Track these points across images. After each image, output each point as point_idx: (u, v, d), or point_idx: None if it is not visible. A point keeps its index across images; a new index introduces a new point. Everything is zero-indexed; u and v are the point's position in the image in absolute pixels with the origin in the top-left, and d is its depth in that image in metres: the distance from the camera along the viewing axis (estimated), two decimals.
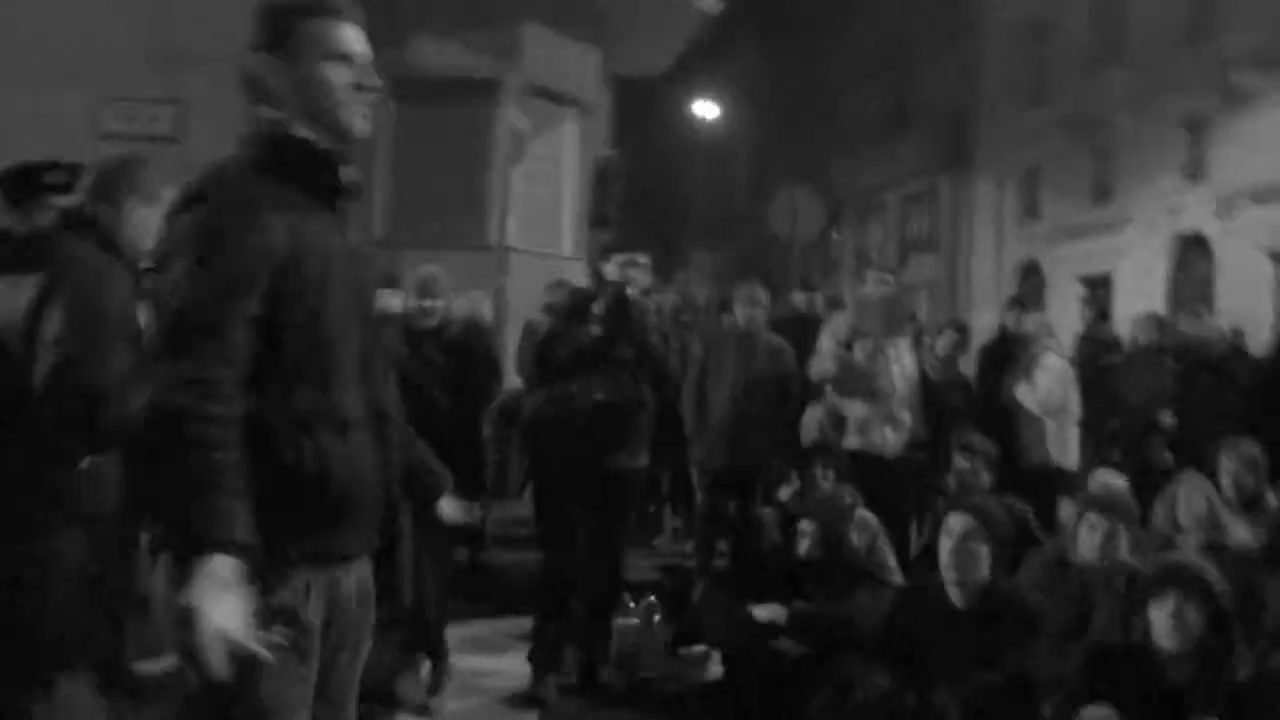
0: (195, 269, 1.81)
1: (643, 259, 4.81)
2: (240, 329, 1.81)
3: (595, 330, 4.55)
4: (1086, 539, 3.85)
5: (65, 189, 3.55)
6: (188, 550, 1.68)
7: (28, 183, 3.49)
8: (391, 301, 5.73)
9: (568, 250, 10.71)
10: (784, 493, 5.43)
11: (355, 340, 2.01)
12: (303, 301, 1.90)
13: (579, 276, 10.02)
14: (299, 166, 1.98)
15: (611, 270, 4.77)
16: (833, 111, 29.80)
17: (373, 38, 2.08)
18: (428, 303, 5.23)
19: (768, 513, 5.44)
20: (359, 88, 2.02)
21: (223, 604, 1.65)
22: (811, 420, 6.60)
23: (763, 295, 6.42)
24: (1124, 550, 3.85)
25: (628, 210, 11.34)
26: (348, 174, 2.04)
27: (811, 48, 31.71)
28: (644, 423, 4.83)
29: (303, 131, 1.99)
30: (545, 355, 4.77)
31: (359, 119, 2.03)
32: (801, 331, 7.10)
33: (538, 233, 10.33)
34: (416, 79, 9.64)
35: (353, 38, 2.04)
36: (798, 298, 8.11)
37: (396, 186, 9.71)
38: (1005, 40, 22.41)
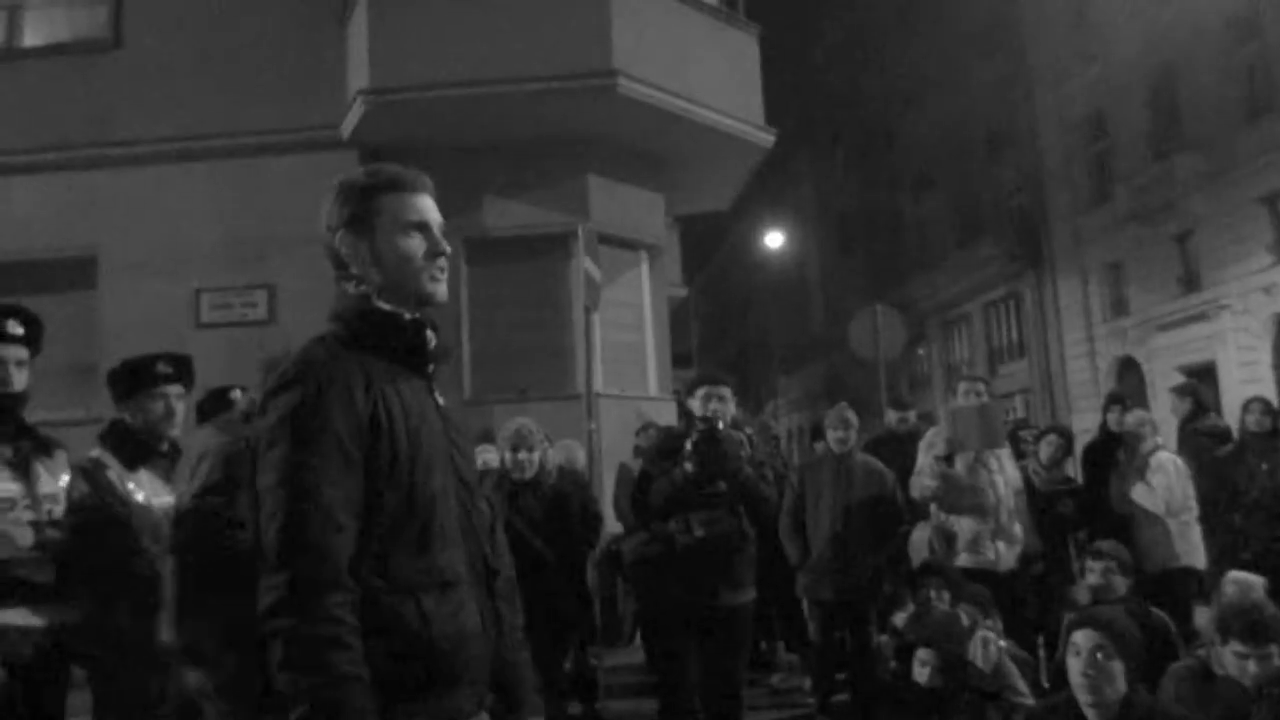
0: (295, 454, 1.85)
1: (726, 391, 4.80)
2: (348, 511, 1.85)
3: (689, 468, 4.53)
4: (1233, 661, 3.62)
5: (174, 379, 3.76)
6: None
7: (139, 376, 3.71)
8: (487, 457, 5.84)
9: (654, 391, 10.80)
10: (899, 618, 5.25)
11: (453, 501, 2.03)
12: (398, 469, 1.93)
13: (667, 416, 10.08)
14: (386, 337, 2.03)
15: (697, 406, 4.77)
16: (899, 226, 29.95)
17: (446, 202, 2.17)
18: (522, 455, 5.31)
19: (885, 641, 5.26)
20: (434, 254, 2.09)
21: None
22: (920, 540, 6.43)
23: (853, 417, 6.36)
24: (1276, 660, 3.60)
25: (708, 344, 11.43)
26: (434, 339, 2.09)
27: (866, 164, 32.13)
28: (748, 556, 4.74)
29: (386, 303, 2.05)
30: (641, 497, 4.75)
31: (437, 284, 2.09)
32: (898, 450, 6.98)
33: (623, 376, 10.45)
34: (490, 239, 10.01)
35: (426, 205, 2.11)
36: (890, 416, 8.01)
37: (480, 345, 9.96)
38: (1066, 136, 22.45)
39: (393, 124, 9.60)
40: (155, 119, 9.89)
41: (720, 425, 4.61)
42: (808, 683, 6.91)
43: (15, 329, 3.27)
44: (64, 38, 10.55)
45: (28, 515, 3.23)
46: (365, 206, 2.07)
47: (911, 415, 7.97)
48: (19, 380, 3.28)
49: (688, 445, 4.55)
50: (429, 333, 2.09)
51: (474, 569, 2.05)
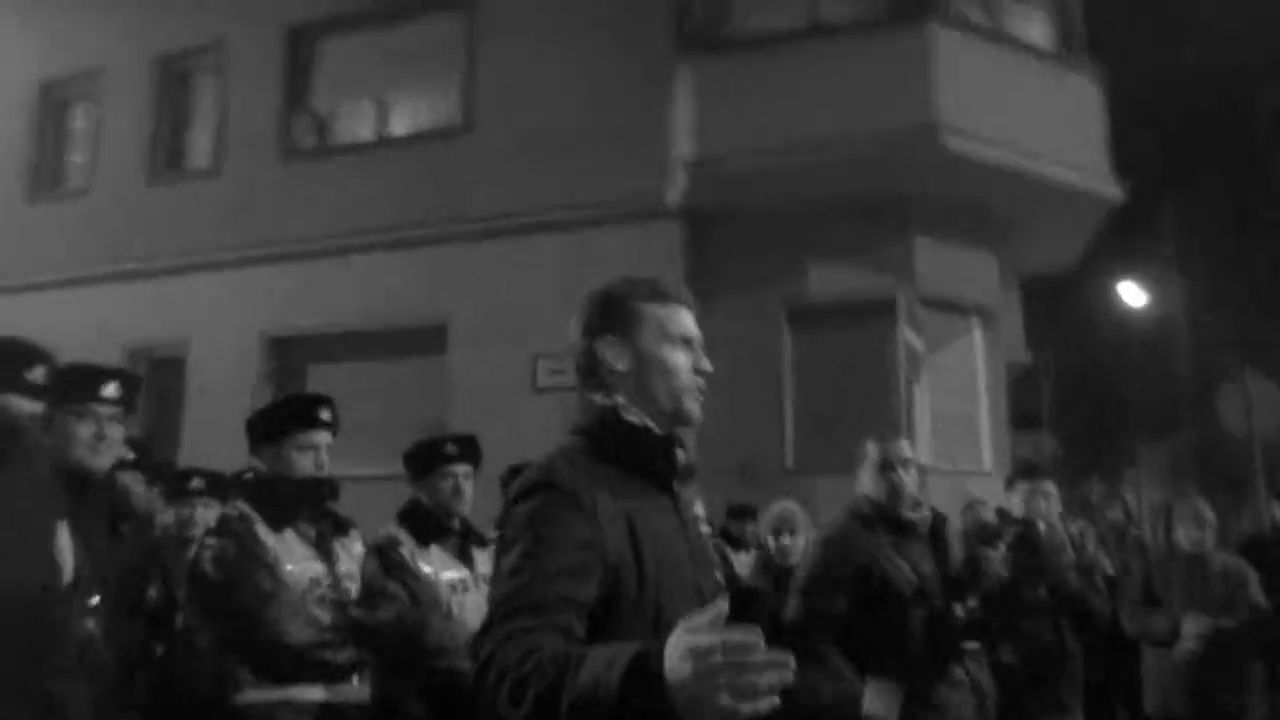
0: (527, 558, 1.79)
1: (1050, 485, 4.31)
2: (567, 612, 1.74)
3: (1001, 571, 4.09)
4: None
5: (461, 458, 3.91)
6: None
7: (429, 457, 3.89)
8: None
9: (988, 463, 10.09)
10: None
11: None
12: (639, 589, 1.85)
13: (997, 493, 9.38)
14: (633, 452, 1.96)
15: (1016, 503, 4.32)
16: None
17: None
18: (785, 540, 5.14)
19: None
20: (696, 371, 2.03)
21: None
22: None
23: (1209, 513, 5.54)
24: None
25: (1061, 407, 10.55)
26: (682, 458, 2.02)
27: (1237, 202, 28.88)
28: (1072, 675, 4.21)
29: (636, 417, 1.98)
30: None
31: (696, 404, 2.03)
32: (1275, 554, 6.02)
33: (952, 448, 9.87)
34: (813, 305, 9.81)
35: (689, 321, 2.06)
36: (1276, 509, 6.91)
37: (801, 415, 9.76)
38: None
39: (715, 191, 9.69)
40: (501, 196, 10.60)
41: (1041, 526, 4.15)
42: None
43: (326, 415, 3.48)
44: (424, 125, 11.62)
45: (330, 595, 3.40)
46: (629, 314, 2.03)
47: None
48: (326, 464, 3.49)
49: (1002, 548, 4.12)
50: (678, 450, 2.02)
51: None
